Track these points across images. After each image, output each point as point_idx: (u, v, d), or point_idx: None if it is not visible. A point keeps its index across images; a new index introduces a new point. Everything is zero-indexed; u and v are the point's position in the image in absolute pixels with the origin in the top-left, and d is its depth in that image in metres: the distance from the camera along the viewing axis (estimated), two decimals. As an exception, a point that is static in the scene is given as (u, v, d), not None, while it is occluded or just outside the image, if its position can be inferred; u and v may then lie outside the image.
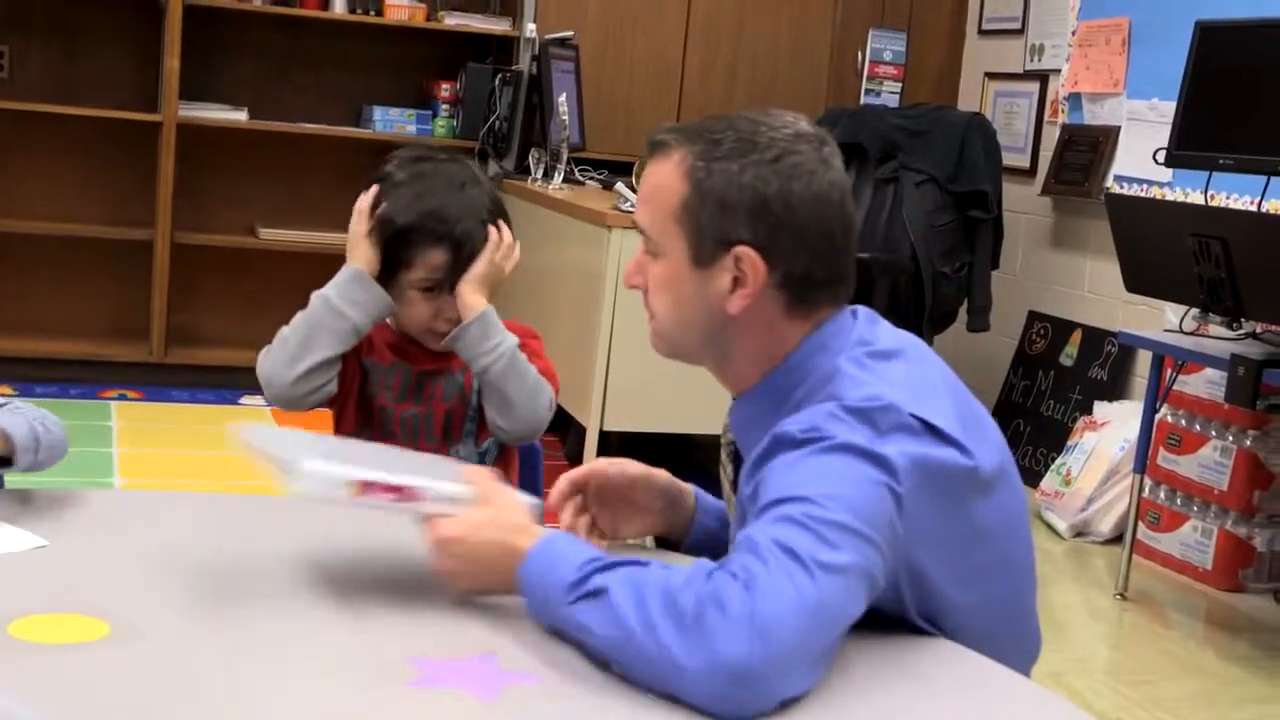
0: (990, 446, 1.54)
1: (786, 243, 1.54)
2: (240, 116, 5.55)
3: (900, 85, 5.74)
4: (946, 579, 1.50)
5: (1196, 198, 4.61)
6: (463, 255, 2.11)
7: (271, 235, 5.66)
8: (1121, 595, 4.19)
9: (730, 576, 1.31)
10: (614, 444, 4.40)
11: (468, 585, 1.51)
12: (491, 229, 2.13)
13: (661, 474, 1.74)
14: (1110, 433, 4.84)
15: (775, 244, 1.54)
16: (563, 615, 1.39)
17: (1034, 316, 5.68)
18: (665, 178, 1.58)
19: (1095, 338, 5.32)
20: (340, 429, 2.20)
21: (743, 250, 1.54)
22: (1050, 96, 5.69)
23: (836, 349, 1.56)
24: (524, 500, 1.56)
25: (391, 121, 5.71)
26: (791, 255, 1.55)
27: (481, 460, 2.18)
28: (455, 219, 2.11)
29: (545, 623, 1.43)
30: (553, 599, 1.40)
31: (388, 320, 2.19)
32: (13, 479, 2.05)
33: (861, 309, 1.63)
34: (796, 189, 1.54)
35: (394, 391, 2.19)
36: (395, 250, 2.11)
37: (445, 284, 2.12)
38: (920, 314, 4.97)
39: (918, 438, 1.46)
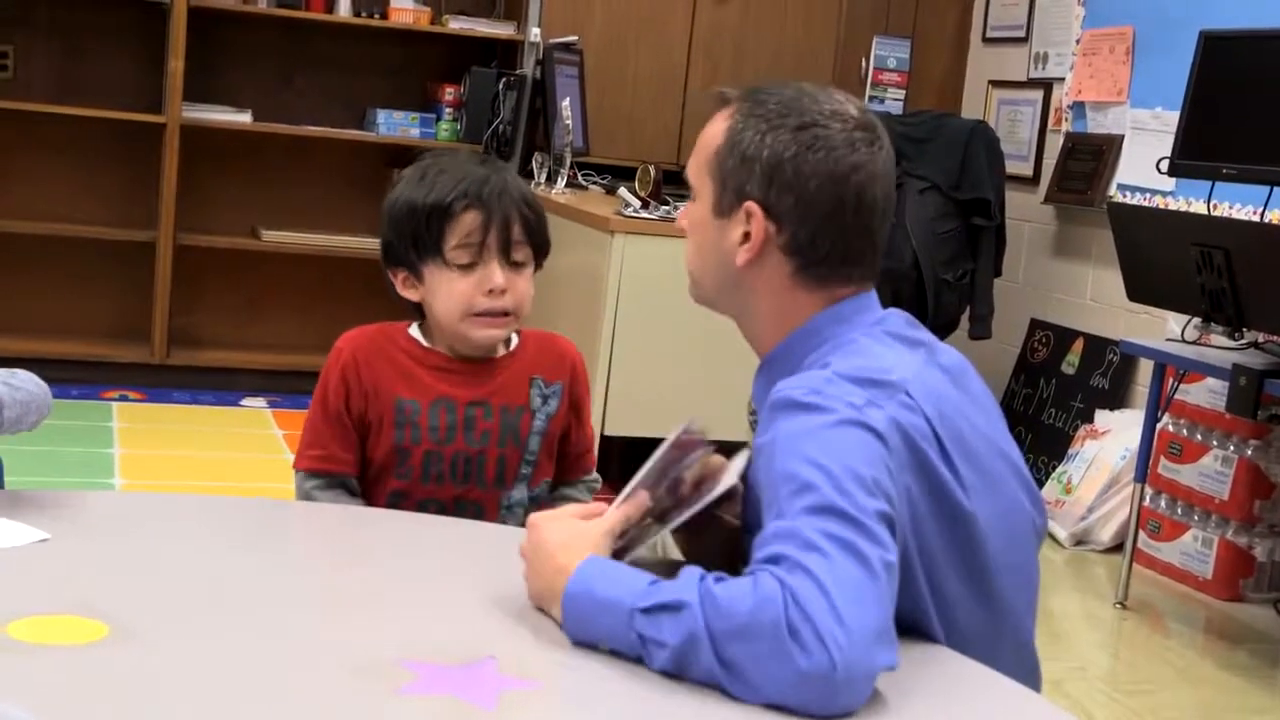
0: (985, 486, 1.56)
1: (793, 209, 1.58)
2: (244, 118, 5.55)
3: (904, 92, 5.74)
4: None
5: (1199, 207, 4.61)
6: (495, 219, 2.00)
7: (274, 237, 5.66)
8: (1121, 604, 4.18)
9: (806, 580, 1.30)
10: (616, 449, 4.40)
11: (530, 588, 1.51)
12: None
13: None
14: (1111, 441, 4.84)
15: (782, 207, 1.59)
16: (634, 625, 1.36)
17: (1036, 324, 5.67)
18: (712, 128, 1.65)
19: (1097, 346, 5.32)
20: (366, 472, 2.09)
21: (752, 206, 1.60)
22: (1054, 105, 5.69)
23: (855, 324, 1.61)
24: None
25: (395, 125, 5.71)
26: (797, 222, 1.59)
27: (534, 503, 2.09)
28: (482, 180, 2.02)
29: (594, 639, 1.40)
30: (616, 610, 1.38)
31: (427, 344, 2.08)
32: (12, 477, 2.05)
33: (899, 311, 1.67)
34: (812, 159, 1.58)
35: (440, 432, 2.03)
36: (425, 234, 2.01)
37: (482, 253, 2.00)
38: (922, 321, 4.95)
39: (912, 414, 1.49)
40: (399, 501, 2.05)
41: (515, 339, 2.14)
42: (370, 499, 2.08)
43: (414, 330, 2.11)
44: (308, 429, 2.09)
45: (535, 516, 1.55)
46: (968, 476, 1.52)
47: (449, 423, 2.04)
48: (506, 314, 2.04)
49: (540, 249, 2.09)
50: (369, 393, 2.04)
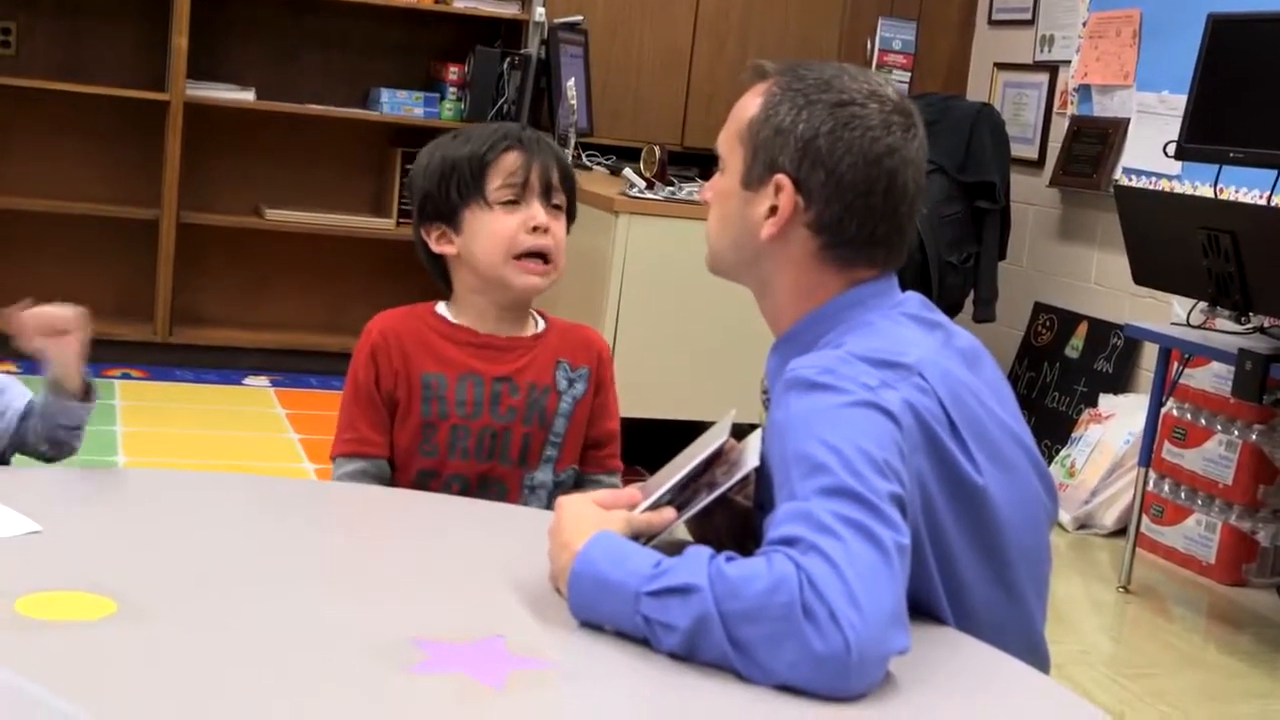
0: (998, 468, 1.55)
1: (824, 185, 1.58)
2: (248, 97, 5.53)
3: (909, 75, 5.71)
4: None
5: (1206, 191, 4.60)
6: (536, 160, 2.05)
7: (277, 216, 5.65)
8: (1124, 588, 4.18)
9: (821, 562, 1.30)
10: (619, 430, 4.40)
11: (550, 566, 1.51)
12: None
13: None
14: (1115, 425, 4.83)
15: (813, 183, 1.58)
16: (639, 608, 1.35)
17: (1040, 308, 5.67)
18: (747, 100, 1.66)
19: (1101, 330, 5.31)
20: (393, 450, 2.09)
21: (782, 179, 1.59)
22: (1060, 88, 5.67)
23: (872, 307, 1.60)
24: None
25: (399, 104, 5.69)
26: (825, 200, 1.58)
27: (558, 487, 2.09)
28: (519, 129, 2.09)
29: (598, 620, 1.40)
30: (621, 593, 1.37)
31: (456, 320, 2.09)
32: (17, 456, 2.04)
33: (916, 294, 1.66)
34: (847, 137, 1.57)
35: (467, 406, 2.04)
36: (468, 178, 2.04)
37: (525, 192, 2.04)
38: (926, 304, 4.97)
39: (925, 396, 1.48)
40: (426, 481, 2.05)
41: (542, 323, 2.14)
42: (397, 481, 2.08)
43: (441, 308, 2.12)
44: (340, 414, 2.09)
45: (563, 497, 1.56)
46: (981, 459, 1.52)
47: (476, 397, 2.05)
48: (547, 261, 2.06)
49: (570, 201, 2.12)
50: (398, 370, 2.05)
